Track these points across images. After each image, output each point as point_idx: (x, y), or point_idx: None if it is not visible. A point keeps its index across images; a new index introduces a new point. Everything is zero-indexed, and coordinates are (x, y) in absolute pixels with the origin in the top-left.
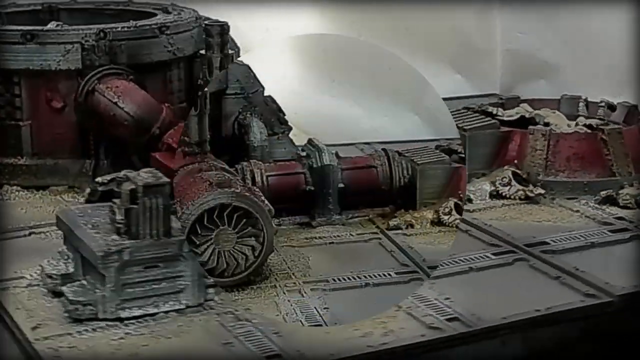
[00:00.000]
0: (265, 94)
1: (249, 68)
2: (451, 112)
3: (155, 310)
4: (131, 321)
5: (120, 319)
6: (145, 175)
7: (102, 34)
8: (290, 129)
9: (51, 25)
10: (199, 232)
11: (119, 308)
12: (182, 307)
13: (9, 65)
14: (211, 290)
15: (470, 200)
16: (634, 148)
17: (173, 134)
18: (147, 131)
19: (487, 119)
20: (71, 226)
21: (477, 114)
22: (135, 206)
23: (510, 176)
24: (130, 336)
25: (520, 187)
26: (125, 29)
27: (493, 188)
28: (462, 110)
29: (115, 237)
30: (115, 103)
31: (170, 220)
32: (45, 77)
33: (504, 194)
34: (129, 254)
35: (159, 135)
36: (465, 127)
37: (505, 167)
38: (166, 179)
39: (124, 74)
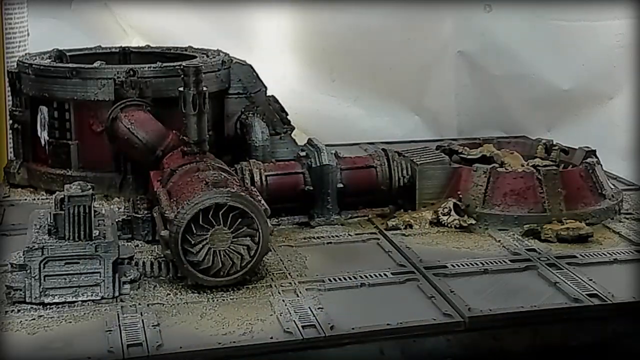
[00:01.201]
0: (268, 93)
1: (252, 68)
2: (408, 149)
3: (74, 299)
4: (51, 306)
5: (43, 304)
6: (74, 187)
7: (131, 72)
8: (292, 128)
9: (95, 64)
10: (195, 231)
11: (43, 294)
12: (98, 298)
13: (61, 96)
14: (127, 285)
15: (410, 226)
16: (571, 188)
17: (170, 157)
18: (152, 153)
19: (440, 155)
20: (28, 226)
21: (434, 151)
22: (61, 212)
23: (451, 207)
24: (42, 318)
25: (457, 217)
26: (152, 68)
27: (435, 217)
28: (420, 148)
29: (46, 236)
30: (129, 129)
31: (92, 225)
32: (88, 106)
33: (443, 222)
34: (50, 250)
35: (162, 157)
36: (417, 162)
37: (449, 198)
38: (89, 192)
39: (143, 105)
